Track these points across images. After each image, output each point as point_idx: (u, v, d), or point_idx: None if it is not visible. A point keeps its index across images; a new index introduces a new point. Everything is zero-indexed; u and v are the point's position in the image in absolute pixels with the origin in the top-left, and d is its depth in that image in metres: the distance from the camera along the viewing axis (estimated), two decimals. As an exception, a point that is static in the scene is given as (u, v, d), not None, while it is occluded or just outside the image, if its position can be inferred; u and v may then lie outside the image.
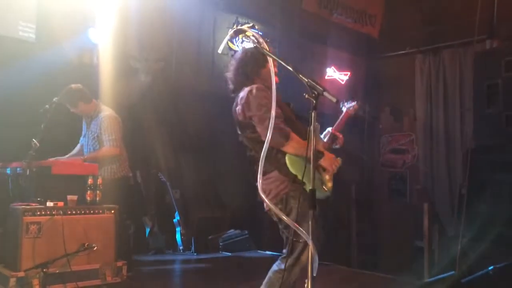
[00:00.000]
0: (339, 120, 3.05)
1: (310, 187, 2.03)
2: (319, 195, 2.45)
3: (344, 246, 8.06)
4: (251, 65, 2.72)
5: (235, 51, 6.54)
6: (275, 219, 2.63)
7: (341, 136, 2.90)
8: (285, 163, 2.52)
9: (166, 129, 6.18)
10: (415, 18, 7.78)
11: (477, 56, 5.00)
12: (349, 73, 8.18)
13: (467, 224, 4.43)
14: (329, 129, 2.94)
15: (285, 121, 2.57)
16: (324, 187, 2.58)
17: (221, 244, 6.10)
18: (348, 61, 8.24)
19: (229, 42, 6.52)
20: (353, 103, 3.18)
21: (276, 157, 2.54)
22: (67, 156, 4.31)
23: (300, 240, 2.46)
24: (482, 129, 4.65)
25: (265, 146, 2.15)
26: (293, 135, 2.52)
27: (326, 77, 7.97)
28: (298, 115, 2.75)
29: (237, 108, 2.67)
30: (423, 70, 7.85)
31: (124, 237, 4.32)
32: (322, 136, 2.91)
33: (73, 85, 4.20)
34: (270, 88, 2.33)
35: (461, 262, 3.96)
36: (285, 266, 2.49)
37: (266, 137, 2.29)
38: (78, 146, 4.44)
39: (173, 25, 5.77)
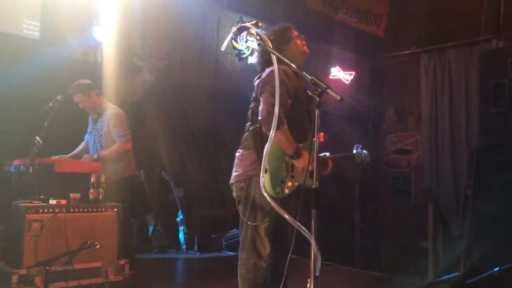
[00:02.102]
0: (341, 155, 2.95)
1: (313, 186, 2.01)
2: (272, 192, 2.48)
3: (348, 246, 8.04)
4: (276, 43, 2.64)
5: (240, 50, 6.54)
6: (234, 195, 2.68)
7: (329, 168, 2.78)
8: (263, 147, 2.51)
9: (169, 127, 6.17)
10: (421, 17, 7.74)
11: (483, 55, 4.95)
12: (353, 72, 8.15)
13: (472, 224, 4.39)
14: (327, 154, 2.82)
15: (294, 113, 2.54)
16: (280, 189, 2.52)
17: (224, 243, 6.09)
18: (352, 61, 8.20)
19: (233, 41, 6.53)
20: (366, 153, 3.09)
21: (260, 139, 2.54)
22: (71, 153, 4.30)
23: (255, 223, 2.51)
24: (487, 128, 4.61)
25: (268, 144, 2.13)
26: (285, 129, 2.49)
27: (330, 77, 7.94)
28: (311, 113, 2.72)
29: (257, 81, 2.70)
30: (428, 69, 7.80)
31: (127, 235, 4.31)
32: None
33: (81, 80, 4.23)
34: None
35: (465, 263, 3.93)
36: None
37: (262, 115, 2.41)
38: (83, 144, 4.44)
39: (177, 24, 5.76)
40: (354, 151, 2.92)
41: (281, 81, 2.49)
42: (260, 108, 2.53)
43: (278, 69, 2.53)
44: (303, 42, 2.82)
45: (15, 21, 4.71)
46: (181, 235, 6.02)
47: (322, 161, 2.69)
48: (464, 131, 7.25)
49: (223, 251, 6.06)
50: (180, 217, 6.06)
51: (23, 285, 3.28)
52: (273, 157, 2.50)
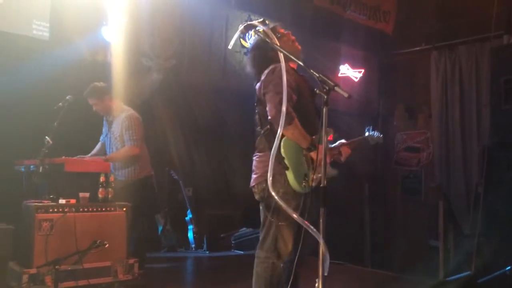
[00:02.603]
0: (355, 139, 2.95)
1: (322, 184, 2.00)
2: (298, 188, 2.48)
3: (358, 245, 8.00)
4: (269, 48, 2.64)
5: (248, 48, 6.51)
6: (256, 197, 2.68)
7: (346, 154, 2.81)
8: (279, 145, 2.51)
9: (178, 126, 6.18)
10: (430, 13, 7.66)
11: (494, 51, 4.89)
12: (363, 70, 8.09)
13: (483, 222, 4.35)
14: (342, 141, 2.86)
15: (300, 108, 2.54)
16: (304, 183, 2.52)
17: (233, 242, 6.09)
18: (361, 58, 8.15)
19: (241, 40, 6.52)
20: (378, 134, 3.05)
21: (273, 139, 2.53)
22: (89, 155, 4.34)
23: (280, 223, 2.50)
24: (499, 125, 4.55)
25: (277, 139, 2.12)
26: (296, 123, 2.49)
27: (339, 75, 7.90)
28: (318, 109, 2.71)
29: (258, 84, 2.70)
30: (438, 66, 7.72)
31: (140, 234, 4.33)
32: (331, 145, 2.85)
33: (97, 83, 4.28)
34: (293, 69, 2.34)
35: (477, 262, 3.88)
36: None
37: (271, 114, 2.41)
38: (99, 145, 4.48)
39: (185, 23, 5.76)
40: (366, 133, 2.95)
41: (281, 78, 2.48)
42: (268, 107, 2.53)
43: (276, 68, 2.53)
44: (293, 38, 2.79)
45: (24, 22, 4.73)
46: (190, 234, 6.03)
47: (335, 150, 2.71)
48: (475, 128, 7.17)
49: (232, 250, 6.06)
50: (189, 216, 6.07)
51: (33, 284, 3.30)
52: (292, 153, 2.51)
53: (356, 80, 8.05)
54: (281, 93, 2.35)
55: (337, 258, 5.63)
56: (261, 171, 2.64)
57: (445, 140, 7.59)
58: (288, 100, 2.42)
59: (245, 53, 6.47)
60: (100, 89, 4.28)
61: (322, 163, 2.02)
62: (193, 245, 6.00)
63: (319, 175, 2.45)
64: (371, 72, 8.32)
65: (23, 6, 4.72)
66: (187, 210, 6.10)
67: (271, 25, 2.80)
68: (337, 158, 2.77)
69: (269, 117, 2.52)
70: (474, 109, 7.18)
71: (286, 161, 2.48)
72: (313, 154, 2.53)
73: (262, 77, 2.66)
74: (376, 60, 8.44)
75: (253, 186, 2.70)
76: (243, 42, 6.33)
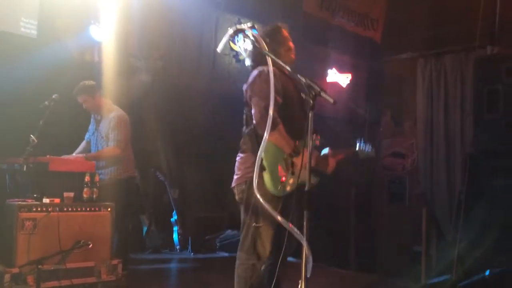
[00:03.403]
0: (343, 151, 2.92)
1: (306, 188, 2.02)
2: (274, 191, 2.51)
3: (343, 248, 8.05)
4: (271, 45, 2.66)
5: (237, 52, 6.55)
6: (236, 198, 2.70)
7: (332, 166, 2.78)
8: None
9: (166, 127, 6.18)
10: (418, 22, 7.77)
11: (478, 61, 4.98)
12: (350, 75, 8.16)
13: (465, 229, 4.41)
14: (326, 150, 2.83)
15: (286, 111, 2.55)
16: (281, 186, 2.53)
17: (218, 244, 6.10)
18: (349, 64, 8.21)
19: (230, 43, 6.54)
20: (370, 149, 2.99)
21: (256, 141, 2.57)
22: (74, 153, 4.31)
23: (258, 224, 2.54)
24: (481, 134, 4.64)
25: (263, 142, 2.15)
26: (281, 128, 2.52)
27: (327, 79, 7.96)
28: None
29: (245, 86, 2.73)
30: (424, 74, 7.82)
31: (123, 234, 4.32)
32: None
33: (86, 81, 4.31)
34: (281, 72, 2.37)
35: (458, 267, 3.95)
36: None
37: (255, 119, 2.46)
38: (83, 143, 4.46)
39: (175, 25, 5.76)
40: (357, 146, 2.92)
41: (265, 82, 2.52)
42: (253, 112, 2.56)
43: (263, 71, 2.56)
44: (291, 46, 2.82)
45: (12, 19, 4.70)
46: (175, 236, 6.02)
47: (323, 158, 2.71)
48: (459, 137, 7.27)
49: (217, 252, 6.06)
50: (174, 217, 6.06)
51: (15, 284, 3.27)
52: (271, 156, 2.53)
53: (344, 86, 8.11)
54: (266, 98, 2.39)
55: (323, 261, 5.69)
56: (242, 172, 2.67)
57: (430, 147, 7.68)
58: (274, 104, 2.46)
59: (233, 56, 6.50)
60: (91, 86, 4.29)
61: (307, 168, 2.04)
62: (178, 247, 5.99)
63: (297, 180, 2.49)
64: (359, 78, 8.39)
65: (11, 3, 4.69)
66: (173, 211, 6.09)
67: (277, 25, 2.84)
68: (324, 168, 2.75)
69: (254, 121, 2.54)
70: (458, 118, 7.28)
71: (264, 163, 2.51)
72: (295, 160, 2.55)
73: (249, 80, 2.69)
74: (364, 66, 8.51)
75: (233, 187, 2.72)
76: (232, 45, 6.35)
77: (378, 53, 8.29)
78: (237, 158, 2.74)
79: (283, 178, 2.54)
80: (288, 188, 2.54)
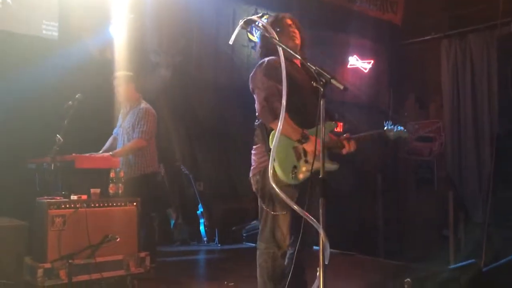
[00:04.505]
0: (365, 134, 2.81)
1: (320, 176, 2.02)
2: (285, 179, 2.49)
3: (371, 235, 8.00)
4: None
5: (255, 42, 6.54)
6: (253, 188, 2.72)
7: (349, 148, 2.69)
8: (268, 137, 2.55)
9: (188, 121, 6.24)
10: (439, 2, 7.58)
11: (501, 39, 4.83)
12: (372, 61, 8.06)
13: (493, 211, 4.33)
14: (346, 135, 2.74)
15: (296, 99, 2.53)
16: (294, 174, 2.52)
17: (244, 235, 6.15)
18: (370, 49, 8.11)
19: (248, 34, 6.55)
20: (401, 129, 2.82)
21: (266, 131, 2.59)
22: (101, 150, 4.42)
23: (275, 213, 2.55)
24: (506, 114, 4.51)
25: (277, 134, 2.16)
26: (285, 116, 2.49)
27: (348, 66, 7.88)
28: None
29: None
30: (449, 55, 7.66)
31: (149, 229, 4.41)
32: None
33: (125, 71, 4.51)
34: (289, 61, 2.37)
35: (486, 250, 3.88)
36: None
37: (257, 110, 2.49)
38: (110, 139, 4.56)
39: (192, 18, 5.80)
40: (385, 127, 2.81)
41: (265, 74, 2.52)
42: (256, 104, 2.57)
43: (263, 62, 2.56)
44: (295, 32, 2.78)
45: (34, 22, 4.84)
46: (202, 228, 6.10)
47: (336, 143, 2.68)
48: (487, 117, 7.09)
49: (243, 243, 6.11)
50: (200, 210, 6.14)
51: (48, 279, 3.38)
52: (279, 145, 2.51)
53: (365, 71, 8.03)
54: (266, 89, 2.39)
55: (350, 249, 5.68)
56: (256, 163, 2.69)
57: (457, 129, 7.54)
58: (274, 95, 2.48)
59: (252, 47, 6.50)
60: (127, 75, 4.47)
61: (321, 155, 2.04)
62: (205, 238, 6.07)
63: (314, 167, 2.47)
64: (381, 63, 8.28)
65: (32, 7, 4.82)
66: (198, 204, 6.17)
67: (280, 16, 2.84)
68: (337, 150, 2.72)
69: (257, 113, 2.56)
70: (486, 98, 7.10)
71: (274, 154, 2.50)
72: (305, 146, 2.54)
73: (251, 73, 2.71)
74: (385, 50, 8.39)
75: (250, 177, 2.74)
76: (250, 36, 6.35)
77: (400, 36, 8.15)
78: (252, 150, 2.76)
79: (296, 166, 2.54)
80: (300, 176, 2.53)
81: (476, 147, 7.24)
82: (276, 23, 2.75)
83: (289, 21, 2.79)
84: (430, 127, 8.16)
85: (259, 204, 2.72)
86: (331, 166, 2.56)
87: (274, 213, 2.58)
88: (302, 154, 2.56)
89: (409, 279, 2.68)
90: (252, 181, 2.74)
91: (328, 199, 2.02)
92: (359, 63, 7.90)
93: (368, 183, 8.20)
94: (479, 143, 7.22)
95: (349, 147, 2.68)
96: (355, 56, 7.86)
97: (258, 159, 2.67)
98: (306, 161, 2.54)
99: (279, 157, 2.49)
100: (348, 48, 7.76)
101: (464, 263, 3.00)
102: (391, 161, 8.43)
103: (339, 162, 2.70)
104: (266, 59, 2.66)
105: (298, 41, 2.76)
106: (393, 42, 8.30)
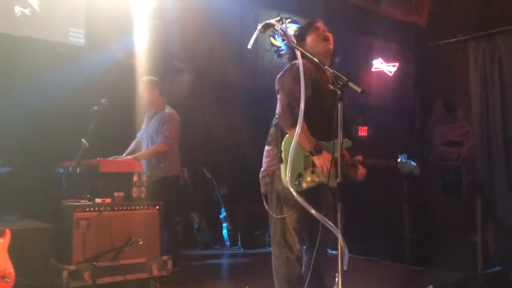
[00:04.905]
0: (379, 161, 2.78)
1: (338, 180, 2.00)
2: (289, 184, 2.39)
3: (397, 242, 7.86)
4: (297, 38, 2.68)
5: (278, 47, 6.54)
6: (262, 191, 2.72)
7: (359, 172, 2.67)
8: (281, 139, 2.56)
9: (212, 125, 6.27)
10: (465, 3, 7.43)
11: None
12: (397, 64, 7.96)
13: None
14: (359, 158, 2.71)
15: (315, 104, 2.52)
16: (297, 182, 2.50)
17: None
18: (396, 52, 8.02)
19: (271, 38, 6.56)
20: (414, 164, 2.77)
21: (281, 133, 2.58)
22: (124, 153, 4.51)
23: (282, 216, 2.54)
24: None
25: (294, 142, 2.15)
26: (302, 125, 2.45)
27: (373, 69, 7.80)
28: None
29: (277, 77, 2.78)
30: (477, 57, 7.48)
31: (172, 233, 4.45)
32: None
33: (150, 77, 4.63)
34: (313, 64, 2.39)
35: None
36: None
37: (278, 113, 2.53)
38: (134, 142, 4.65)
39: (215, 23, 5.83)
40: (399, 160, 2.74)
41: (292, 78, 2.51)
42: (277, 107, 2.56)
43: (293, 65, 2.55)
44: (327, 35, 2.77)
45: (61, 29, 4.96)
46: (224, 232, 6.12)
47: (351, 164, 2.64)
48: (518, 120, 6.90)
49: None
50: (223, 214, 6.15)
51: (73, 280, 3.45)
52: (289, 149, 2.49)
53: (390, 74, 7.93)
54: (290, 94, 2.38)
55: (376, 255, 5.59)
56: (266, 165, 2.69)
57: (486, 132, 7.34)
58: (298, 100, 2.43)
59: (275, 52, 6.50)
60: (152, 81, 4.58)
61: (339, 163, 2.02)
62: (227, 242, 6.08)
63: (317, 180, 2.45)
64: (407, 66, 8.17)
65: (59, 14, 4.94)
66: (221, 208, 6.19)
67: (313, 20, 2.83)
68: (353, 175, 2.67)
69: (276, 115, 2.55)
70: (516, 100, 6.91)
71: (282, 155, 2.51)
72: (315, 159, 2.51)
73: (279, 74, 2.70)
74: (411, 53, 8.27)
75: (260, 180, 2.73)
76: (272, 40, 6.36)
77: (425, 38, 8.01)
78: (264, 151, 2.75)
79: (301, 174, 2.52)
80: (304, 185, 2.52)
81: (506, 151, 7.04)
82: (309, 27, 2.75)
83: (321, 25, 2.80)
84: (458, 131, 7.98)
85: (267, 208, 2.70)
86: (334, 180, 2.52)
87: (282, 216, 2.56)
88: (310, 165, 2.54)
89: (431, 286, 2.62)
90: (261, 183, 2.73)
91: (346, 204, 1.99)
92: (383, 66, 7.81)
93: (394, 188, 8.07)
94: (509, 147, 7.02)
95: (361, 172, 2.66)
96: (379, 59, 7.77)
97: (268, 162, 2.67)
98: (313, 172, 2.53)
99: (287, 162, 2.46)
100: (372, 51, 7.68)
101: (490, 270, 2.91)
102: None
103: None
104: (296, 63, 2.62)
105: (331, 46, 2.75)
106: (419, 44, 8.16)
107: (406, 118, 8.25)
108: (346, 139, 2.60)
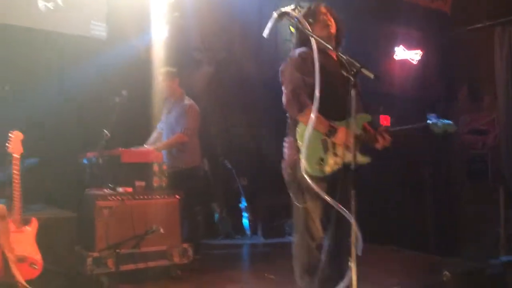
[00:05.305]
0: (408, 127, 2.70)
1: (352, 166, 2.00)
2: (311, 171, 2.44)
3: (421, 231, 7.78)
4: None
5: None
6: (286, 182, 2.70)
7: (384, 141, 2.61)
8: (295, 130, 2.54)
9: (231, 117, 6.30)
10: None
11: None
12: (420, 51, 7.82)
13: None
14: (383, 127, 2.68)
15: (327, 91, 2.43)
16: (320, 167, 2.48)
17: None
18: (419, 39, 7.86)
19: (290, 27, 6.50)
20: (447, 122, 2.66)
21: (295, 124, 2.57)
22: (146, 144, 4.58)
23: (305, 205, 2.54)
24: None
25: (308, 127, 2.15)
26: (308, 110, 2.44)
27: (395, 57, 7.68)
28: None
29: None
30: (503, 43, 7.28)
31: (192, 222, 4.53)
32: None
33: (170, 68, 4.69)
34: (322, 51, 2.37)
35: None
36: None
37: (284, 103, 2.51)
38: (155, 134, 4.72)
39: (234, 14, 5.83)
40: (429, 121, 2.66)
41: (295, 66, 2.50)
42: (283, 96, 2.58)
43: (293, 55, 2.55)
44: (330, 20, 2.73)
45: (83, 23, 5.05)
46: (245, 222, 6.17)
47: (369, 136, 2.62)
48: (544, 108, 6.72)
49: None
50: (243, 204, 6.20)
51: (97, 267, 3.55)
52: (310, 140, 2.50)
53: (414, 62, 7.80)
54: (293, 81, 2.38)
55: (396, 243, 5.56)
56: (287, 156, 2.69)
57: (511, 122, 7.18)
58: (301, 87, 2.46)
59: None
60: (171, 72, 4.63)
61: (351, 147, 2.02)
62: (248, 232, 6.13)
63: (341, 161, 2.44)
64: (430, 53, 8.00)
65: (81, 7, 5.03)
66: (242, 198, 6.24)
67: (314, 5, 2.82)
68: (371, 144, 2.63)
69: (284, 105, 2.56)
70: (543, 88, 6.73)
71: (299, 145, 2.50)
72: (335, 139, 2.49)
73: (281, 66, 2.71)
74: (435, 41, 8.09)
75: (282, 170, 2.75)
76: (292, 29, 6.31)
77: (450, 25, 7.83)
78: (284, 143, 2.77)
79: (322, 159, 2.51)
80: (328, 169, 2.50)
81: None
82: (309, 12, 2.73)
83: (323, 10, 2.75)
84: (484, 119, 7.82)
85: (291, 196, 2.72)
86: (362, 159, 2.52)
87: (305, 205, 2.58)
88: (331, 147, 2.53)
89: (447, 272, 2.59)
90: (284, 173, 2.74)
91: (360, 192, 2.00)
92: (406, 54, 7.68)
93: (418, 176, 7.98)
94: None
95: (383, 141, 2.60)
96: (401, 46, 7.64)
97: (289, 152, 2.67)
98: (335, 154, 2.51)
99: (303, 149, 2.47)
100: (394, 39, 7.56)
101: (509, 258, 2.87)
102: (442, 155, 8.14)
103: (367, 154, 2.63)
104: (297, 51, 2.66)
105: (333, 30, 2.71)
106: (443, 31, 7.98)
107: (431, 106, 8.11)
108: (362, 114, 2.59)
